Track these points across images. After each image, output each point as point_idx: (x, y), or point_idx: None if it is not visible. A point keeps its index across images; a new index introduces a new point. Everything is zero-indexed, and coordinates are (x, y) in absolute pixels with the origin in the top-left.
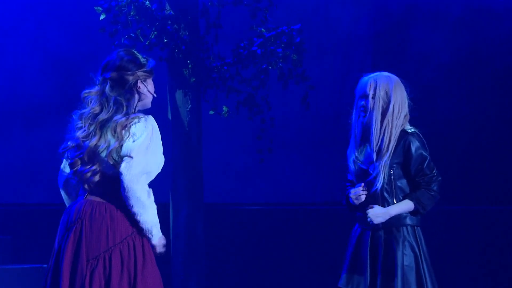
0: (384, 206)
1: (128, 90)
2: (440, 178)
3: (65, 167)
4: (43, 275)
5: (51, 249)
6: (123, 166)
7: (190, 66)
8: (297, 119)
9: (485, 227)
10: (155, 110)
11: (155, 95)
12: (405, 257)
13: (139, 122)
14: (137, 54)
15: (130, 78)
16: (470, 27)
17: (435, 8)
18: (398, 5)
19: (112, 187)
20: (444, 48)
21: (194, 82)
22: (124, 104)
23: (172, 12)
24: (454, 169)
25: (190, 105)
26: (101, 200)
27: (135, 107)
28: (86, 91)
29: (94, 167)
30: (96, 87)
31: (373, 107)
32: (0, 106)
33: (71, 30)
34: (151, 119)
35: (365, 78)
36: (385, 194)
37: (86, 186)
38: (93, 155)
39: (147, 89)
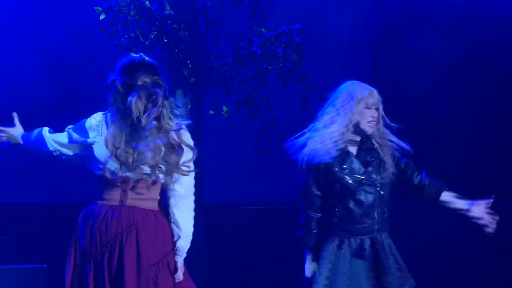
0: (380, 214)
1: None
2: None
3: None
4: (42, 275)
5: (51, 250)
6: (185, 177)
7: (190, 66)
8: (297, 119)
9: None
10: None
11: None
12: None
13: (186, 131)
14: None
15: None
16: (466, 31)
17: (434, 10)
18: (398, 6)
19: (158, 194)
20: (443, 47)
21: (194, 82)
22: (170, 111)
23: (172, 12)
24: (454, 169)
25: (190, 105)
26: (150, 208)
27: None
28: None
29: (141, 173)
30: (153, 90)
31: (380, 119)
32: (0, 106)
33: (71, 30)
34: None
35: (370, 87)
36: (383, 202)
37: (126, 190)
38: (137, 161)
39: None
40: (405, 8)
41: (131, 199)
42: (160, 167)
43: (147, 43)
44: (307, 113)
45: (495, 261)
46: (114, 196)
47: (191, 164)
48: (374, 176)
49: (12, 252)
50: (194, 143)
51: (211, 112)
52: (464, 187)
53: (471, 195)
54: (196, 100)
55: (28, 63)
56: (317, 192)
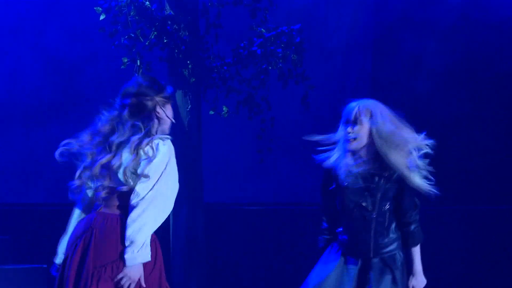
0: (377, 239)
1: (147, 114)
2: None
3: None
4: (42, 275)
5: (51, 250)
6: (139, 186)
7: (190, 66)
8: (297, 119)
9: (485, 227)
10: None
11: (173, 121)
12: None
13: (160, 143)
14: (156, 79)
15: (149, 103)
16: (465, 31)
17: (433, 10)
18: (397, 6)
19: (124, 202)
20: (442, 47)
21: (194, 82)
22: (142, 127)
23: (172, 12)
24: (454, 169)
25: (190, 105)
26: (114, 213)
27: (155, 131)
28: (106, 113)
29: (105, 183)
30: (115, 112)
31: (367, 136)
32: (0, 106)
33: (71, 30)
34: (170, 143)
35: (354, 104)
36: (379, 226)
37: (98, 201)
38: (106, 171)
39: (165, 114)
40: (405, 8)
41: (103, 207)
42: (122, 176)
43: (147, 43)
44: (307, 113)
45: (495, 261)
46: (96, 206)
47: (138, 172)
48: (370, 201)
49: (12, 252)
50: (193, 142)
51: (211, 112)
52: (464, 187)
53: (472, 195)
54: (196, 100)
55: (28, 63)
56: (327, 197)
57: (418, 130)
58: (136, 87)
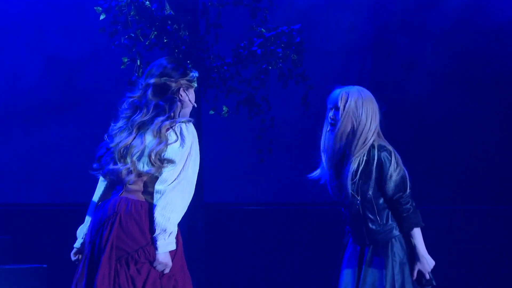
0: (368, 225)
1: (170, 97)
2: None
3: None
4: (42, 275)
5: (51, 250)
6: (166, 171)
7: (190, 66)
8: (297, 119)
9: (485, 227)
10: None
11: (195, 105)
12: (398, 267)
13: (184, 127)
14: (182, 62)
15: (173, 85)
16: (464, 31)
17: (433, 11)
18: (398, 6)
19: (148, 187)
20: (442, 48)
21: None
22: (166, 108)
23: (172, 12)
24: (454, 169)
25: None
26: (138, 198)
27: (178, 114)
28: (130, 94)
29: (128, 166)
30: (138, 91)
31: (343, 120)
32: (0, 106)
33: (71, 30)
34: (192, 126)
35: (337, 90)
36: (367, 213)
37: (121, 185)
38: (127, 154)
39: (188, 98)
40: (404, 9)
41: (125, 191)
42: (147, 159)
43: (147, 43)
44: (307, 113)
45: (495, 261)
46: (117, 190)
47: (164, 157)
48: (353, 186)
49: (12, 252)
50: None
51: (211, 112)
52: (464, 188)
53: (472, 196)
54: (196, 100)
55: (28, 63)
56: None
57: (418, 130)
58: (161, 68)
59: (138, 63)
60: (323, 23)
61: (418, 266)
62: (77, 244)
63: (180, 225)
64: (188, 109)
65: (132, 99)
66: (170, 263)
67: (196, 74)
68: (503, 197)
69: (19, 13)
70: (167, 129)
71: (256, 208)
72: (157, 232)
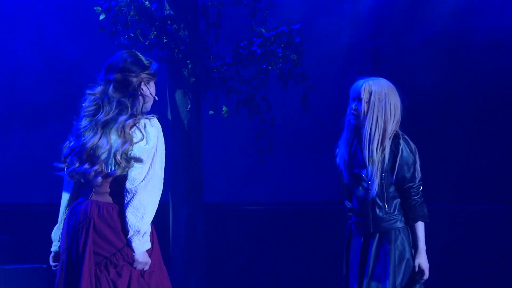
0: (375, 211)
1: (132, 92)
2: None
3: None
4: (42, 275)
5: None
6: (134, 170)
7: (190, 66)
8: (297, 119)
9: (485, 227)
10: (155, 110)
11: (156, 98)
12: (397, 260)
13: (148, 124)
14: (141, 56)
15: (134, 80)
16: (463, 30)
17: (433, 9)
18: (397, 6)
19: (117, 188)
20: (442, 47)
21: (194, 82)
22: (129, 105)
23: (172, 12)
24: (454, 169)
25: (190, 105)
26: (107, 201)
27: (140, 109)
28: (90, 91)
29: (96, 167)
30: (99, 87)
31: (367, 111)
32: (0, 106)
33: (70, 30)
34: (157, 121)
35: (360, 82)
36: (377, 199)
37: (89, 186)
38: (93, 155)
39: (149, 92)
40: (405, 8)
41: (94, 194)
42: (113, 160)
43: (147, 43)
44: (307, 113)
45: (495, 261)
46: (86, 192)
47: (131, 156)
48: (367, 171)
49: (12, 252)
50: (193, 143)
51: (211, 112)
52: (464, 187)
53: (472, 195)
54: (196, 100)
55: (28, 63)
56: (343, 181)
57: (418, 130)
58: (122, 63)
59: None
60: (323, 23)
61: (417, 261)
62: (54, 248)
63: (180, 225)
64: (149, 103)
65: (93, 96)
66: (149, 261)
67: (156, 66)
68: (503, 197)
69: (19, 13)
70: (131, 127)
71: (256, 208)
72: (131, 233)
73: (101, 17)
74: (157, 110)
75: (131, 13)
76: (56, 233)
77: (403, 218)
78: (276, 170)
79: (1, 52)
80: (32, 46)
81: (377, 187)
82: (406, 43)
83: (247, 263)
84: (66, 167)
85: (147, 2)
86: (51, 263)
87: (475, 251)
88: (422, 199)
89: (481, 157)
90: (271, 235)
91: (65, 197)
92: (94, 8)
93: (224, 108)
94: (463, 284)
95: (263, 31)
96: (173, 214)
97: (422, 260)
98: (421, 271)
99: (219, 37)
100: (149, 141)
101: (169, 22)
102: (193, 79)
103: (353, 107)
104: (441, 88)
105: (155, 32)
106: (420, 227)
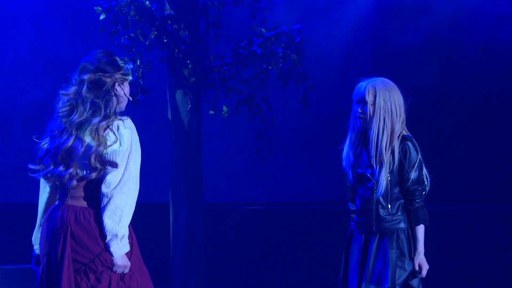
0: (379, 211)
1: (106, 93)
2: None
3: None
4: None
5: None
6: (110, 174)
7: (190, 66)
8: (297, 119)
9: (485, 227)
10: (155, 110)
11: (130, 98)
12: (397, 259)
13: (121, 125)
14: (115, 56)
15: (108, 80)
16: (462, 29)
17: (433, 8)
18: (398, 6)
19: (92, 191)
20: (443, 46)
21: (194, 82)
22: (102, 106)
23: (172, 12)
24: (454, 169)
25: (190, 105)
26: (83, 205)
27: (114, 110)
28: (63, 91)
29: (71, 170)
30: (73, 88)
31: (373, 114)
32: (0, 106)
33: (70, 30)
34: (130, 122)
35: (363, 84)
36: (382, 199)
37: (64, 189)
38: (68, 157)
39: (123, 92)
40: (405, 8)
41: (70, 199)
42: (88, 162)
43: (147, 43)
44: (307, 113)
45: (496, 261)
46: (61, 195)
47: (106, 159)
48: (372, 172)
49: (12, 252)
50: (193, 143)
51: (211, 112)
52: (464, 188)
53: (472, 196)
54: (196, 100)
55: (28, 63)
56: (348, 183)
57: (418, 130)
58: (96, 63)
59: (138, 63)
60: (323, 23)
61: (416, 262)
62: (35, 252)
63: (180, 225)
64: (123, 104)
65: (67, 96)
66: (128, 264)
67: (130, 66)
68: (503, 197)
69: (19, 13)
70: (105, 129)
71: (256, 208)
72: (109, 237)
73: (101, 17)
74: (157, 110)
75: (131, 13)
76: (36, 236)
77: (405, 219)
78: (276, 170)
79: (1, 52)
80: (32, 46)
81: (383, 188)
82: (407, 43)
83: (247, 263)
84: (41, 169)
85: (147, 2)
86: (34, 268)
87: (475, 251)
88: (423, 202)
89: (481, 157)
90: (271, 235)
91: (42, 199)
92: (94, 8)
93: (224, 108)
94: (463, 284)
95: (263, 31)
96: (173, 214)
97: (421, 261)
98: (420, 271)
99: (219, 37)
100: (122, 143)
101: (169, 22)
102: (193, 79)
103: (359, 110)
104: (441, 88)
105: (155, 32)
106: (421, 230)
